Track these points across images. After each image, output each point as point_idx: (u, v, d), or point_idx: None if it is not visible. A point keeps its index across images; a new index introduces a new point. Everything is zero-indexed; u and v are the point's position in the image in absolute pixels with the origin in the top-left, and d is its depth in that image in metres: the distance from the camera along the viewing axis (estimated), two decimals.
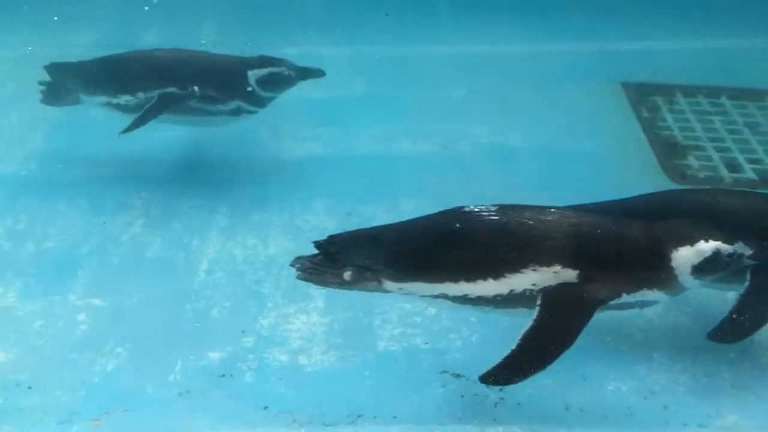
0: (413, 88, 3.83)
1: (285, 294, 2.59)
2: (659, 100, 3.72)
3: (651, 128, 3.52)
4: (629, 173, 3.18)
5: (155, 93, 3.01)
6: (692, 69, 3.95)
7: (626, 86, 3.80)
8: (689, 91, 3.78)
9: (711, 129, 3.53)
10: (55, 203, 3.01)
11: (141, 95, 3.04)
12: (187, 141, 3.49)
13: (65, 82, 3.21)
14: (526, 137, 3.52)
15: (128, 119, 3.04)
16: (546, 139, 3.50)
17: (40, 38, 4.22)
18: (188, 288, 2.61)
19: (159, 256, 2.78)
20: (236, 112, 3.09)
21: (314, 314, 2.52)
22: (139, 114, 3.00)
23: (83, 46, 4.13)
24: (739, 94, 3.74)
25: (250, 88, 3.04)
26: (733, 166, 3.28)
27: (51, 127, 3.51)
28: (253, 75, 3.04)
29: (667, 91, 3.78)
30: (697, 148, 3.39)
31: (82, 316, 2.49)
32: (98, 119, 3.58)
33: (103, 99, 3.13)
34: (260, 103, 3.09)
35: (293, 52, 4.15)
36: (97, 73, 3.13)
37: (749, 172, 3.24)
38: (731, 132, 3.50)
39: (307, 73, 3.15)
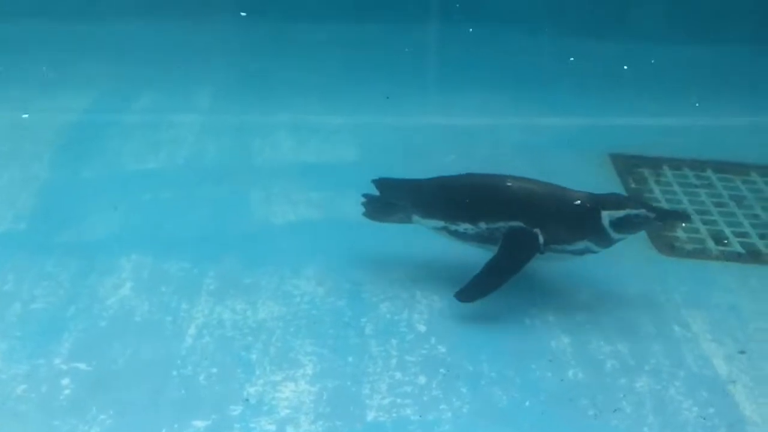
0: (405, 154, 3.87)
1: (273, 361, 2.57)
2: (646, 172, 3.78)
3: None
4: (618, 243, 3.19)
5: (500, 225, 2.84)
6: (678, 142, 4.03)
7: (614, 158, 3.87)
8: (675, 164, 3.85)
9: (697, 201, 3.58)
10: (44, 264, 2.99)
11: (483, 225, 2.86)
12: (176, 203, 3.50)
13: (394, 199, 3.09)
14: None
15: (464, 246, 2.95)
16: None
17: (33, 99, 4.28)
18: (175, 353, 2.58)
19: (146, 320, 2.75)
20: (580, 252, 2.86)
21: (302, 382, 2.49)
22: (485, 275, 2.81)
23: (77, 110, 4.18)
24: (724, 168, 3.81)
25: (602, 230, 2.79)
26: (719, 239, 3.31)
27: (42, 188, 3.51)
28: (608, 216, 2.77)
29: (654, 163, 3.85)
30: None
31: (66, 381, 2.44)
32: (91, 181, 3.61)
33: (439, 223, 2.97)
34: (609, 244, 2.83)
35: (287, 117, 4.26)
36: (433, 195, 3.00)
37: (736, 246, 3.28)
38: (717, 205, 3.55)
39: (668, 216, 2.96)
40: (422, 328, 2.76)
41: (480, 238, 2.90)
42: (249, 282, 2.97)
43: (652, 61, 4.70)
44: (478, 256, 2.88)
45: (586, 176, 3.56)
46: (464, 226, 2.90)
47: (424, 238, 3.11)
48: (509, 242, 2.81)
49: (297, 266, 3.07)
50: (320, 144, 4.04)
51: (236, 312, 2.81)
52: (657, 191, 3.65)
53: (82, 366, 2.51)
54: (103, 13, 4.94)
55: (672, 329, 2.79)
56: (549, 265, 2.98)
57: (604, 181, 3.61)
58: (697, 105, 4.33)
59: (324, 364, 2.55)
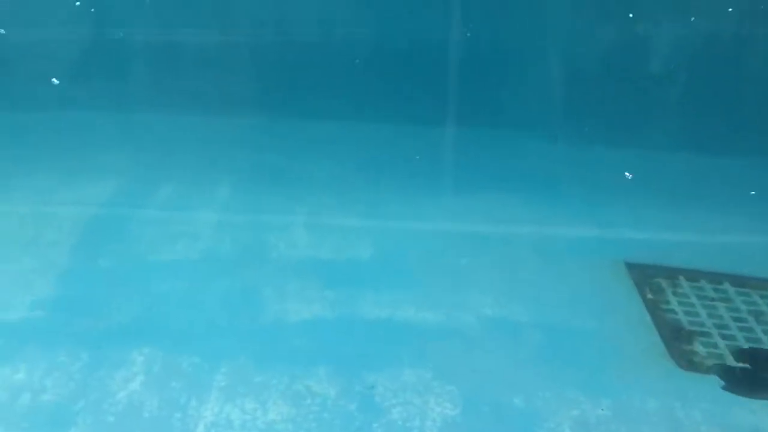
0: (420, 256, 3.88)
1: None
2: (663, 283, 3.76)
3: (656, 310, 3.54)
4: (635, 355, 3.17)
5: None
6: (695, 254, 4.02)
7: (630, 267, 3.86)
8: (692, 276, 3.83)
9: (716, 315, 3.55)
10: (56, 354, 2.97)
11: None
12: (191, 295, 3.50)
13: None
14: (530, 311, 3.53)
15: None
16: (550, 314, 3.51)
17: (56, 188, 4.35)
18: None
19: (155, 417, 2.71)
20: None
21: None
22: None
23: (98, 200, 4.25)
24: (742, 282, 3.79)
25: None
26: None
27: (60, 276, 3.53)
28: None
29: (671, 273, 3.84)
30: (703, 334, 3.39)
31: None
32: (108, 270, 3.63)
33: None
34: None
35: (303, 214, 4.30)
36: None
37: None
38: (736, 320, 3.51)
39: None
40: None
41: None
42: (260, 380, 2.94)
43: (668, 171, 4.75)
44: (490, 362, 2.85)
45: (601, 285, 3.55)
46: None
47: (439, 343, 3.08)
48: None
49: (309, 365, 3.03)
50: (335, 242, 4.06)
51: (246, 411, 2.76)
52: (674, 303, 3.62)
53: None
54: (126, 104, 5.08)
55: None
56: (565, 376, 2.93)
57: (621, 291, 3.60)
58: (712, 217, 4.34)
59: None
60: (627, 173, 4.55)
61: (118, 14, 5.22)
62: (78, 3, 5.12)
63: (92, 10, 5.19)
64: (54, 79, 4.95)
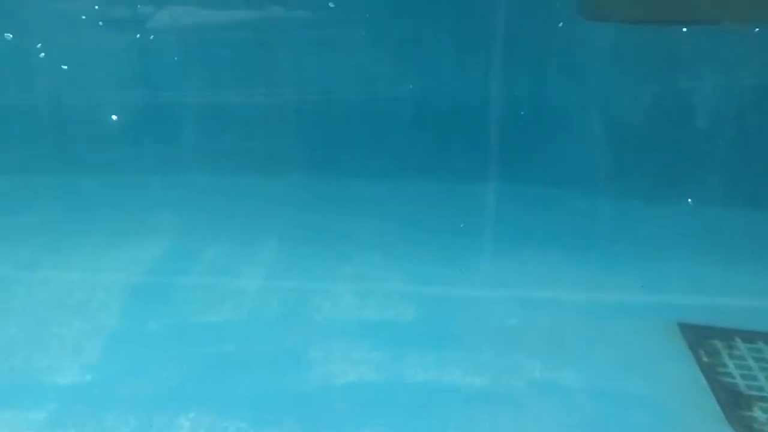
0: (465, 318, 3.84)
1: None
2: (718, 344, 3.65)
3: (712, 374, 3.42)
4: (691, 421, 3.06)
5: None
6: (751, 314, 3.90)
7: (683, 327, 3.75)
8: (749, 337, 3.71)
9: None
10: (104, 418, 2.99)
11: None
12: (237, 358, 3.51)
13: None
14: (580, 375, 3.44)
15: None
16: (600, 379, 3.42)
17: (105, 250, 4.44)
18: None
19: None
20: None
21: None
22: None
23: (146, 261, 4.31)
24: None
25: None
26: None
27: (108, 339, 3.58)
28: None
29: (726, 335, 3.72)
30: (762, 399, 3.27)
31: None
32: (155, 333, 3.67)
33: None
34: None
35: (348, 273, 4.31)
36: None
37: None
38: None
39: None
40: None
41: None
42: None
43: (719, 228, 4.65)
44: (539, 428, 2.76)
45: (654, 347, 3.46)
46: None
47: (486, 408, 3.01)
48: None
49: (355, 431, 2.99)
50: (380, 302, 4.05)
51: None
52: (731, 366, 3.50)
53: None
54: (173, 166, 5.19)
55: None
56: None
57: (674, 353, 3.50)
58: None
59: None
60: (689, 199, 4.46)
61: (166, 77, 5.38)
62: (127, 66, 5.30)
63: (141, 73, 5.36)
64: (104, 142, 5.10)
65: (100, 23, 5.26)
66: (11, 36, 5.14)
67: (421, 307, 3.99)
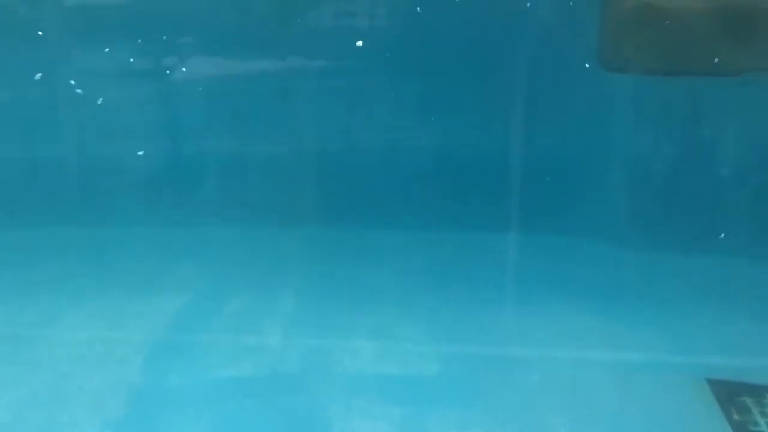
0: (487, 374, 3.79)
1: None
2: (749, 401, 3.55)
3: None
4: None
5: None
6: None
7: (712, 384, 3.66)
8: None
9: None
10: None
11: None
12: (258, 413, 3.48)
13: None
14: None
15: None
16: None
17: (128, 302, 4.45)
18: None
19: None
20: None
21: None
22: None
23: (168, 313, 4.31)
24: None
25: None
26: None
27: (130, 393, 3.56)
28: None
29: (758, 392, 3.63)
30: None
31: None
32: (177, 386, 3.65)
33: None
34: None
35: (368, 325, 4.28)
36: None
37: None
38: None
39: None
40: None
41: None
42: None
43: (746, 279, 4.58)
44: None
45: (682, 405, 3.38)
46: None
47: None
48: None
49: None
50: (401, 356, 4.00)
51: None
52: (762, 424, 3.41)
53: None
54: (194, 217, 5.21)
55: None
56: None
57: (704, 411, 3.41)
58: None
59: None
60: (722, 234, 4.40)
61: (189, 127, 5.44)
62: (151, 116, 5.38)
63: (164, 123, 5.43)
64: (126, 193, 5.15)
65: (125, 74, 5.36)
66: (40, 75, 5.21)
67: (442, 361, 3.94)
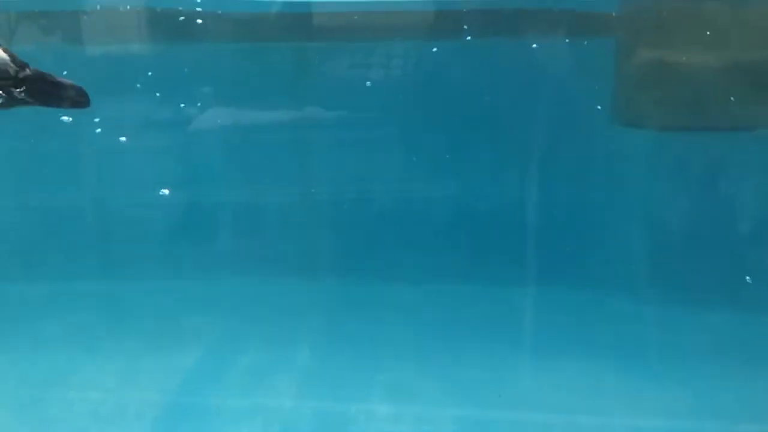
0: None
1: None
2: None
3: None
4: None
5: None
6: None
7: None
8: None
9: None
10: None
11: None
12: None
13: None
14: None
15: None
16: None
17: (143, 352, 4.44)
18: None
19: None
20: None
21: None
22: None
23: (181, 366, 4.30)
24: None
25: None
26: None
27: None
28: None
29: None
30: None
31: None
32: None
33: None
34: None
35: (383, 381, 4.23)
36: None
37: None
38: None
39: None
40: None
41: None
42: None
43: None
44: None
45: None
46: None
47: None
48: None
49: None
50: (416, 414, 3.96)
51: None
52: None
53: None
54: (209, 270, 5.21)
55: None
56: None
57: None
58: None
59: None
60: (748, 278, 4.32)
61: (204, 178, 5.47)
62: (168, 167, 5.40)
63: (181, 173, 5.45)
64: (142, 244, 5.16)
65: (144, 125, 5.41)
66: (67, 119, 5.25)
67: (459, 421, 3.90)
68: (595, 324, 4.70)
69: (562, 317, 4.81)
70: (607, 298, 4.85)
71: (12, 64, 2.26)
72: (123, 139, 5.34)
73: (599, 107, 4.98)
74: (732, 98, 4.79)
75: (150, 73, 5.33)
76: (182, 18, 5.14)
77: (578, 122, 4.99)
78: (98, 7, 5.23)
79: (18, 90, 2.29)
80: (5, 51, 2.28)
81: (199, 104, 5.42)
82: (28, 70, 2.29)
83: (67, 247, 5.25)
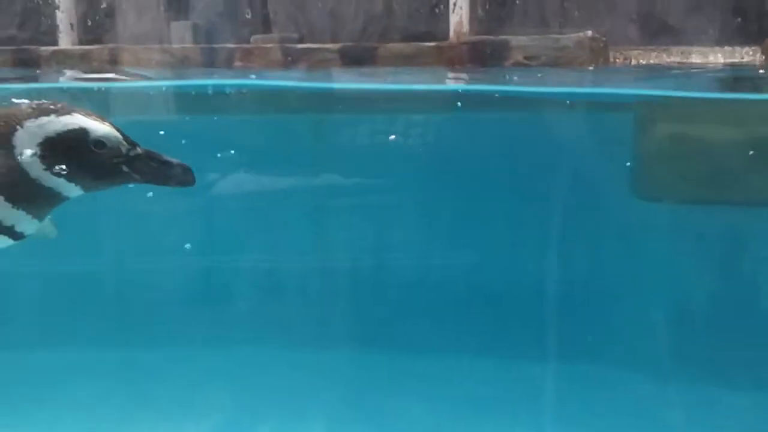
0: None
1: None
2: None
3: None
4: None
5: None
6: None
7: None
8: None
9: None
10: None
11: None
12: None
13: None
14: None
15: None
16: None
17: (163, 422, 4.38)
18: None
19: None
20: None
21: None
22: None
23: None
24: None
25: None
26: None
27: None
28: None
29: None
30: None
31: None
32: None
33: None
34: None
35: None
36: None
37: None
38: None
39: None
40: None
41: None
42: None
43: None
44: None
45: None
46: None
47: None
48: None
49: None
50: None
51: None
52: None
53: None
54: (227, 339, 5.16)
55: None
56: None
57: None
58: None
59: None
60: None
61: (223, 244, 5.48)
62: (185, 235, 5.40)
63: (197, 240, 5.46)
64: (160, 311, 5.14)
65: (163, 190, 5.43)
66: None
67: None
68: (617, 402, 4.62)
69: (582, 393, 4.73)
70: (628, 373, 4.78)
71: (124, 143, 2.30)
72: (144, 204, 5.37)
73: (620, 181, 5.00)
74: (752, 172, 4.80)
75: (171, 140, 5.40)
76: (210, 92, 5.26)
77: (597, 195, 5.01)
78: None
79: (127, 169, 2.32)
80: (117, 129, 2.30)
81: (218, 171, 5.47)
82: (138, 149, 2.31)
83: (87, 315, 5.23)
